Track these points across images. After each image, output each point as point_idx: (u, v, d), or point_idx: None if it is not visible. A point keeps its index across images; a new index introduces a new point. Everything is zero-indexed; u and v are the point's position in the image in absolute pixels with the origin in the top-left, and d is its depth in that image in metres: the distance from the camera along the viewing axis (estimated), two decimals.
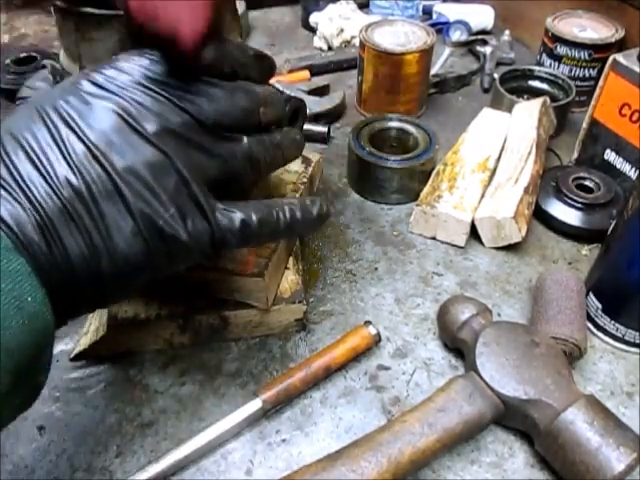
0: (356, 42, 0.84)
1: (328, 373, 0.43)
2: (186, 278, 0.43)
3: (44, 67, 0.68)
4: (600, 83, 0.57)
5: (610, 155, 0.59)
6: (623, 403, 0.42)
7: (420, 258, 0.54)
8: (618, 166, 0.58)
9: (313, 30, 0.92)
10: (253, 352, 0.45)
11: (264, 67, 0.37)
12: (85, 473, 0.38)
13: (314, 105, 0.71)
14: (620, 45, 0.70)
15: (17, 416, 0.28)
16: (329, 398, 0.42)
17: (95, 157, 0.28)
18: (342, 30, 0.87)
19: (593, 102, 0.59)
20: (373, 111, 0.72)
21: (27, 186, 0.26)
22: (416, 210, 0.55)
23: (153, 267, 0.30)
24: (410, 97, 0.72)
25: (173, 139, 0.29)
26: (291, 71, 0.80)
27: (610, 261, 0.44)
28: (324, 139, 0.69)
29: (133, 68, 0.30)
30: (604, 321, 0.45)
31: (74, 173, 0.27)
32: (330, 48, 0.89)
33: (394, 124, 0.63)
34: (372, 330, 0.44)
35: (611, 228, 0.45)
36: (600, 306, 0.45)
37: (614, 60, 0.55)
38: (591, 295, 0.46)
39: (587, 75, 0.73)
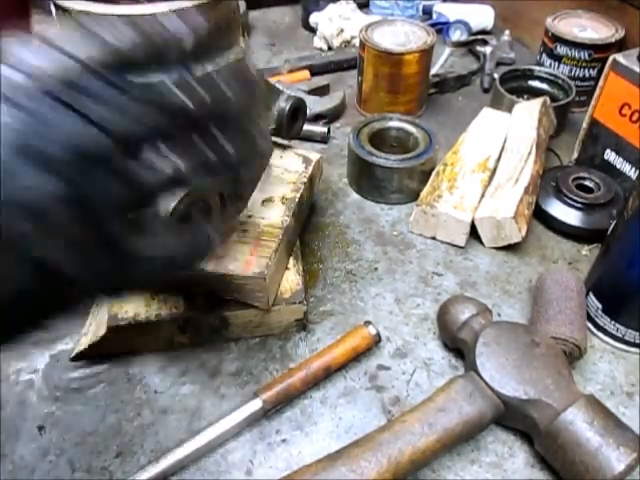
0: (356, 42, 0.84)
1: (328, 373, 0.43)
2: (186, 278, 0.43)
3: None
4: (600, 83, 0.57)
5: (610, 155, 0.59)
6: (623, 403, 0.42)
7: (420, 258, 0.54)
8: (618, 166, 0.58)
9: (313, 30, 0.92)
10: (253, 352, 0.45)
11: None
12: (85, 473, 0.38)
13: (314, 105, 0.71)
14: (620, 45, 0.70)
15: None
16: (329, 398, 0.42)
17: None
18: (342, 30, 0.87)
19: (593, 102, 0.59)
20: (373, 111, 0.72)
21: None
22: (416, 210, 0.55)
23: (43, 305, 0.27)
24: (410, 97, 0.72)
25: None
26: (291, 71, 0.80)
27: (610, 261, 0.44)
28: (324, 139, 0.69)
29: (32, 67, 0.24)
30: (604, 321, 0.45)
31: None
32: (330, 48, 0.89)
33: (394, 124, 0.63)
34: (372, 330, 0.44)
35: (611, 228, 0.45)
36: (600, 306, 0.45)
37: (614, 60, 0.55)
38: (591, 295, 0.46)
39: (587, 75, 0.73)
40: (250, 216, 0.47)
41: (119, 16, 0.35)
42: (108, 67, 0.24)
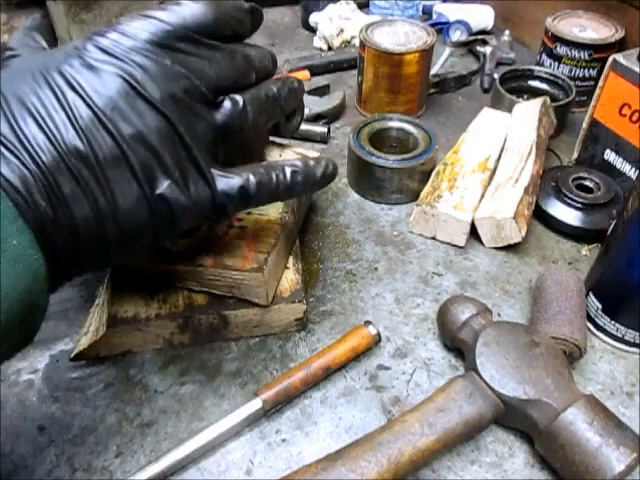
0: (356, 42, 0.84)
1: (328, 373, 0.43)
2: (184, 274, 0.43)
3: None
4: (600, 83, 0.57)
5: (610, 155, 0.59)
6: (623, 403, 0.42)
7: (420, 258, 0.54)
8: (618, 166, 0.58)
9: (313, 30, 0.92)
10: (253, 352, 0.45)
11: (255, 20, 0.37)
12: (85, 473, 0.38)
13: (314, 105, 0.71)
14: (620, 45, 0.70)
15: (11, 356, 0.28)
16: (329, 398, 0.42)
17: (102, 123, 0.28)
18: (342, 30, 0.87)
19: (593, 102, 0.59)
20: (373, 111, 0.72)
21: (35, 151, 0.26)
22: (416, 210, 0.55)
23: (156, 231, 0.31)
24: (410, 97, 0.72)
25: (176, 105, 0.30)
26: (291, 71, 0.80)
27: (610, 261, 0.44)
28: (324, 139, 0.69)
29: (137, 32, 0.30)
30: (604, 321, 0.45)
31: (81, 139, 0.27)
32: (330, 48, 0.89)
33: (394, 124, 0.63)
34: (372, 330, 0.44)
35: (611, 228, 0.45)
36: (600, 306, 0.45)
37: (614, 60, 0.55)
38: (591, 295, 0.46)
39: (587, 75, 0.73)
40: (249, 213, 0.47)
41: None
42: (198, 32, 0.31)
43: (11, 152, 0.26)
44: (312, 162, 0.36)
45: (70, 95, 0.28)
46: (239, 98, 0.33)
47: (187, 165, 0.30)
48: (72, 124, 0.27)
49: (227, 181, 0.32)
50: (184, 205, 0.31)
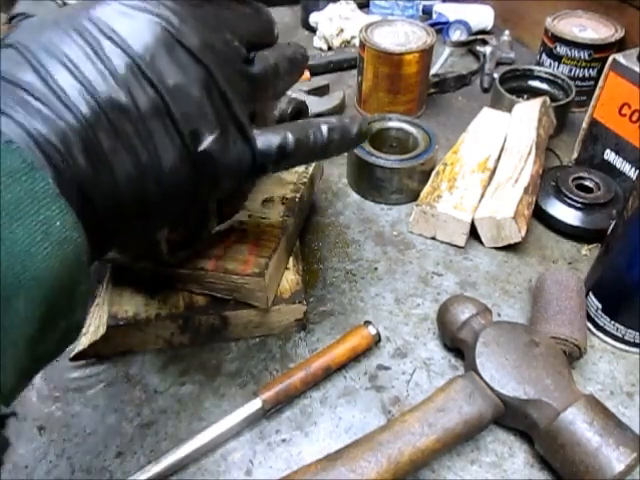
0: (356, 42, 0.84)
1: (328, 373, 0.43)
2: (185, 276, 0.43)
3: None
4: (600, 83, 0.57)
5: (610, 155, 0.59)
6: (623, 403, 0.42)
7: (420, 258, 0.54)
8: (618, 166, 0.58)
9: (313, 30, 0.92)
10: (253, 352, 0.45)
11: None
12: (85, 473, 0.38)
13: (314, 105, 0.71)
14: (620, 45, 0.70)
15: (59, 353, 0.27)
16: (329, 398, 0.42)
17: (142, 73, 0.26)
18: (342, 30, 0.87)
19: (593, 102, 0.59)
20: (373, 111, 0.72)
21: (73, 104, 0.25)
22: (416, 210, 0.55)
23: (196, 191, 0.30)
24: (410, 97, 0.72)
25: (214, 56, 0.28)
26: None
27: (610, 261, 0.44)
28: None
29: None
30: (604, 321, 0.45)
31: (121, 89, 0.26)
32: (330, 48, 0.89)
33: (394, 124, 0.63)
34: (372, 330, 0.44)
35: (611, 228, 0.45)
36: (600, 306, 0.45)
37: (614, 60, 0.55)
38: (591, 295, 0.46)
39: (587, 75, 0.73)
40: (250, 216, 0.47)
41: None
42: None
43: (45, 105, 0.24)
44: (347, 120, 0.34)
45: (106, 44, 0.26)
46: (268, 54, 0.32)
47: (228, 121, 0.29)
48: (111, 74, 0.25)
49: (266, 139, 0.31)
50: (226, 163, 0.29)
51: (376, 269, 0.53)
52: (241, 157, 0.30)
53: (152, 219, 0.29)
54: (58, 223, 0.22)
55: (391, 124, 0.63)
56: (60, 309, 0.24)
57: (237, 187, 0.33)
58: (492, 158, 0.59)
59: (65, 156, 0.24)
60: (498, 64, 0.83)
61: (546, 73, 0.73)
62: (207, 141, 0.28)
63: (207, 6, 0.29)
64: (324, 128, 0.33)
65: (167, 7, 0.27)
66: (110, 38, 0.26)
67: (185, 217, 0.37)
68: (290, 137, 0.31)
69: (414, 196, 0.58)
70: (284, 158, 0.32)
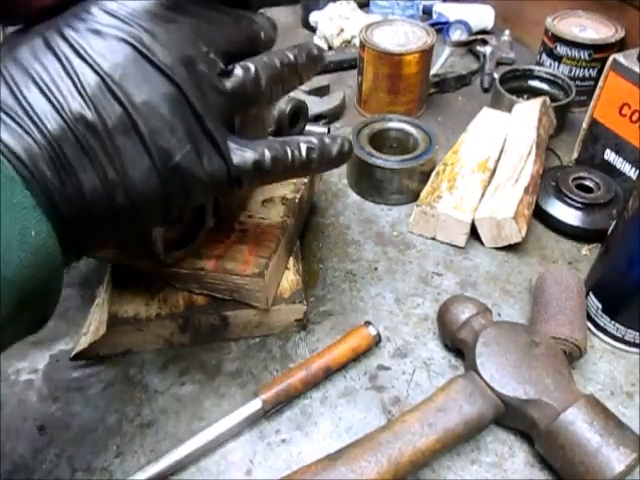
0: (356, 42, 0.84)
1: (328, 373, 0.43)
2: (185, 276, 0.43)
3: None
4: (600, 83, 0.57)
5: (610, 155, 0.59)
6: (623, 403, 0.42)
7: (420, 258, 0.54)
8: (618, 166, 0.58)
9: (313, 30, 0.92)
10: (253, 352, 0.45)
11: None
12: (85, 473, 0.38)
13: (314, 105, 0.71)
14: (620, 45, 0.70)
15: (16, 342, 0.28)
16: (329, 398, 0.42)
17: (110, 90, 0.27)
18: (342, 30, 0.87)
19: (593, 102, 0.59)
20: (373, 111, 0.72)
21: (40, 120, 0.25)
22: (416, 210, 0.55)
23: (169, 203, 0.30)
24: (410, 97, 0.72)
25: (186, 71, 0.28)
26: None
27: (610, 261, 0.44)
28: None
29: None
30: (604, 321, 0.45)
31: (88, 107, 0.26)
32: (330, 48, 0.89)
33: (394, 124, 0.63)
34: (372, 330, 0.44)
35: (611, 228, 0.45)
36: (600, 306, 0.45)
37: (614, 60, 0.55)
38: (591, 295, 0.46)
39: (587, 75, 0.73)
40: (250, 216, 0.47)
41: None
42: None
43: (14, 120, 0.25)
44: (328, 140, 0.35)
45: (76, 61, 0.26)
46: (250, 65, 0.31)
47: (200, 136, 0.29)
48: (78, 91, 0.26)
49: (242, 154, 0.31)
50: (197, 177, 0.29)
51: (376, 269, 0.53)
52: (215, 171, 0.30)
53: (123, 228, 0.30)
54: (33, 233, 0.24)
55: (391, 125, 0.63)
56: (30, 306, 0.26)
57: (214, 199, 0.33)
58: (492, 158, 0.59)
59: (31, 169, 0.25)
60: (498, 64, 0.83)
61: (546, 73, 0.73)
62: (175, 157, 0.28)
63: (182, 19, 0.29)
64: (303, 147, 0.33)
65: (139, 25, 0.28)
66: (81, 56, 0.27)
67: (176, 219, 0.37)
68: (267, 154, 0.32)
69: (414, 196, 0.58)
70: (260, 175, 0.32)
